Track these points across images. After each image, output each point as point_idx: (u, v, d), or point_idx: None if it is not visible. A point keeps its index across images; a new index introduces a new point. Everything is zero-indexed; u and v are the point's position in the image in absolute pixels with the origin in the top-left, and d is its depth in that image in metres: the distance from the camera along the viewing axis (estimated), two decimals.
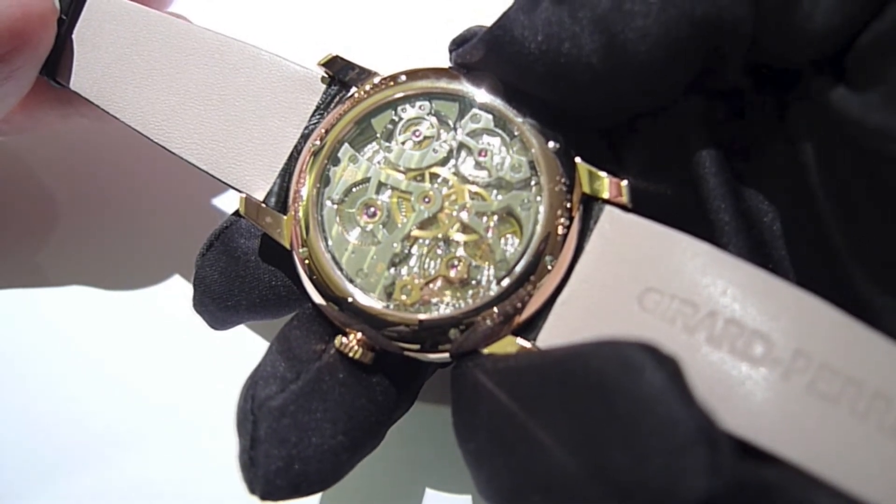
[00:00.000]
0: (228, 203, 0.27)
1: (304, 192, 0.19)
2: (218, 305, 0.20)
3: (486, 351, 0.18)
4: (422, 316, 0.18)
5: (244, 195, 0.20)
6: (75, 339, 0.26)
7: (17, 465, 0.24)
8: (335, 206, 0.19)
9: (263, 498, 0.17)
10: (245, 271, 0.20)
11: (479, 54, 0.18)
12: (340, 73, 0.20)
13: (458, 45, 0.19)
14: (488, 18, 0.18)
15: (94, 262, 0.27)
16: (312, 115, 0.20)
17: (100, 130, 0.28)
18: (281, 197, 0.20)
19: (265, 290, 0.20)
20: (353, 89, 0.20)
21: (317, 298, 0.19)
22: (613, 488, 0.13)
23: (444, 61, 0.20)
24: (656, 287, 0.16)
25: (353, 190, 0.19)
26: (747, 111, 0.19)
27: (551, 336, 0.17)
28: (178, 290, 0.26)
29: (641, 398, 0.13)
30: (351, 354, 0.18)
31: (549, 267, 0.17)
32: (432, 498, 0.22)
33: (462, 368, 0.18)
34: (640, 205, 0.18)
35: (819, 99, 0.17)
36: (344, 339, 0.18)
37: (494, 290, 0.18)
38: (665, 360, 0.14)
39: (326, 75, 0.20)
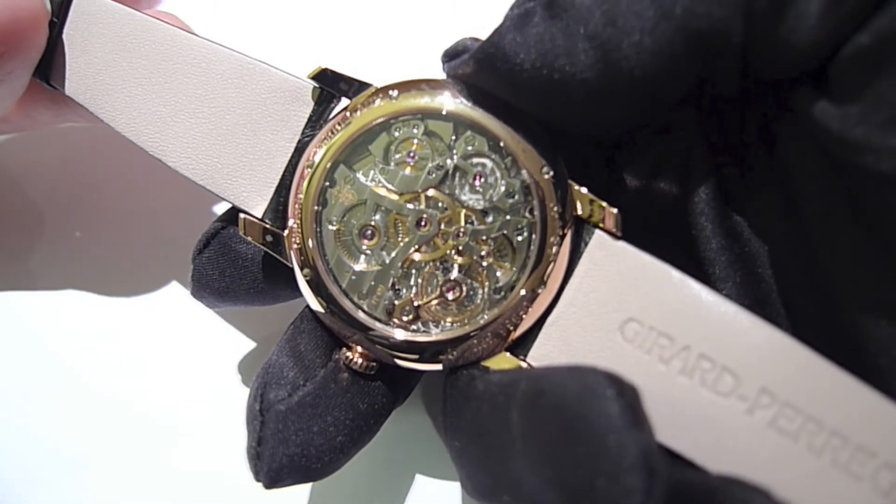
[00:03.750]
0: (223, 203, 0.26)
1: (303, 211, 0.19)
2: (217, 297, 0.22)
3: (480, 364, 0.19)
4: (420, 338, 0.19)
5: (243, 216, 0.20)
6: (68, 341, 0.25)
7: (14, 469, 0.24)
8: (334, 229, 0.19)
9: (267, 487, 0.19)
10: (244, 272, 0.21)
11: (471, 71, 0.18)
12: (331, 86, 0.20)
13: (450, 57, 0.19)
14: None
15: (88, 263, 0.26)
16: (305, 128, 0.20)
17: (94, 130, 0.27)
18: (279, 213, 0.20)
19: (264, 286, 0.21)
20: (345, 101, 0.20)
21: (323, 316, 0.20)
22: (568, 499, 0.15)
23: (439, 53, 0.20)
24: (637, 318, 0.17)
25: (351, 212, 0.19)
26: (738, 124, 0.19)
27: (540, 355, 0.19)
28: (173, 291, 0.26)
29: (598, 424, 0.14)
30: (355, 368, 0.19)
31: (539, 290, 0.18)
32: (425, 484, 0.24)
33: (455, 373, 0.19)
34: (630, 220, 0.18)
35: (803, 112, 0.17)
36: (349, 354, 0.19)
37: (489, 312, 0.19)
38: (625, 390, 0.15)
39: (318, 87, 0.20)
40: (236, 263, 0.21)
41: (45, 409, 0.25)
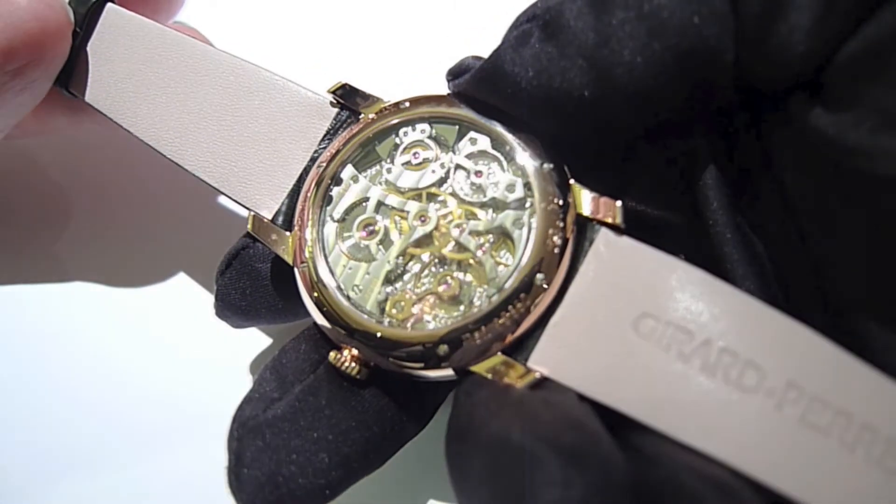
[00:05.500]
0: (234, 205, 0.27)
1: (308, 210, 0.19)
2: (240, 317, 0.21)
3: (473, 369, 0.18)
4: (411, 334, 0.18)
5: (252, 213, 0.20)
6: (86, 337, 0.26)
7: (14, 469, 0.24)
8: (336, 225, 0.19)
9: None
10: (265, 291, 0.21)
11: (473, 89, 0.19)
12: (349, 100, 0.21)
13: (454, 75, 0.20)
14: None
15: (106, 259, 0.27)
16: (322, 140, 0.21)
17: (106, 135, 0.28)
18: (288, 216, 0.20)
19: (285, 304, 0.21)
20: (361, 115, 0.20)
21: (314, 313, 0.19)
22: None
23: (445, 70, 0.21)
24: (652, 313, 0.17)
25: (354, 209, 0.19)
26: (736, 132, 0.20)
27: (543, 357, 0.17)
28: (189, 286, 0.26)
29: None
30: (344, 369, 0.18)
31: (542, 286, 0.18)
32: None
33: (456, 393, 0.18)
34: (638, 226, 0.18)
35: (798, 118, 0.17)
36: (339, 355, 0.18)
37: (484, 307, 0.18)
38: (569, 479, 0.14)
39: (336, 101, 0.21)
40: (257, 283, 0.21)
41: (46, 409, 0.24)
